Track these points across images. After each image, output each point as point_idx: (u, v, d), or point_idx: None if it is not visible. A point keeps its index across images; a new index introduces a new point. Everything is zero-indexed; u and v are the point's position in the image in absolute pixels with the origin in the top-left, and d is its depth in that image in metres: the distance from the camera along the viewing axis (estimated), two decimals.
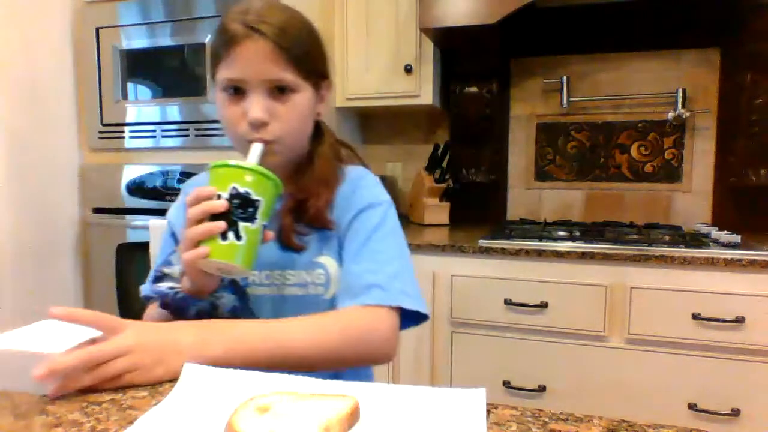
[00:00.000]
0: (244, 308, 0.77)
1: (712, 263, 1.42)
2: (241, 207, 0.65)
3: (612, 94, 2.06)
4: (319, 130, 0.87)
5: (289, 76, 0.75)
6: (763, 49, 1.77)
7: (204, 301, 0.72)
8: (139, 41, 1.91)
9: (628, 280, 1.50)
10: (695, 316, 1.43)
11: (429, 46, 1.95)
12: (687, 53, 1.98)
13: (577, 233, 1.75)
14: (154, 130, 1.92)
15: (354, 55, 2.03)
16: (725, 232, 1.61)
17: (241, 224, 0.65)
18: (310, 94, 0.79)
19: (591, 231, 1.80)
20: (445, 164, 2.12)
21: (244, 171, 0.66)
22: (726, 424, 1.43)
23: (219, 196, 0.65)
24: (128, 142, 1.96)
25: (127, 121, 1.95)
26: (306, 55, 0.77)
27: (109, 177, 1.98)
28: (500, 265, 1.60)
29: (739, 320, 1.39)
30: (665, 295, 1.46)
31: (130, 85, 1.95)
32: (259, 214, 0.66)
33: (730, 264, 1.41)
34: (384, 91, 1.99)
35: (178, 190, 1.88)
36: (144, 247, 1.84)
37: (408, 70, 1.95)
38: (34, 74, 1.87)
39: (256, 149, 0.73)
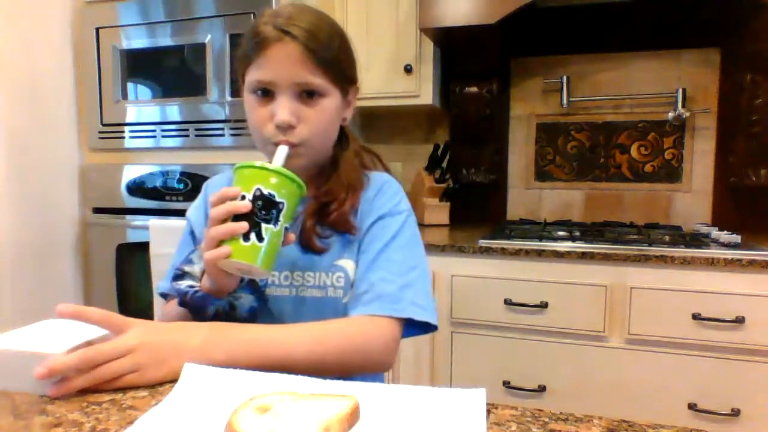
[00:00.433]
0: (263, 309, 0.77)
1: (712, 263, 1.42)
2: (264, 208, 0.65)
3: (612, 94, 2.06)
4: (344, 135, 0.87)
5: (317, 80, 0.75)
6: (763, 49, 1.77)
7: (222, 300, 0.72)
8: (139, 41, 1.91)
9: (628, 280, 1.50)
10: (695, 316, 1.43)
11: (429, 46, 1.94)
12: (687, 53, 1.98)
13: (577, 233, 1.75)
14: (154, 130, 1.92)
15: None
16: (725, 232, 1.61)
17: (264, 226, 0.65)
18: (338, 99, 0.79)
19: (591, 231, 1.80)
20: (445, 164, 2.12)
21: (270, 173, 0.66)
22: (726, 424, 1.43)
23: (243, 197, 0.65)
24: (128, 142, 1.96)
25: (127, 121, 1.95)
26: (335, 60, 0.77)
27: (109, 177, 1.98)
28: (500, 265, 1.60)
29: (739, 320, 1.39)
30: (665, 295, 1.46)
31: (130, 85, 1.95)
32: (281, 217, 0.66)
33: (730, 264, 1.41)
34: (384, 91, 1.98)
35: (178, 190, 1.89)
36: (144, 247, 1.85)
37: (408, 70, 1.95)
38: (34, 74, 1.87)
39: (282, 152, 0.73)
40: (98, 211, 2.01)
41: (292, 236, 0.70)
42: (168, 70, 1.90)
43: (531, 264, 1.58)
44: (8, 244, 1.78)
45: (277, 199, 0.66)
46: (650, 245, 1.53)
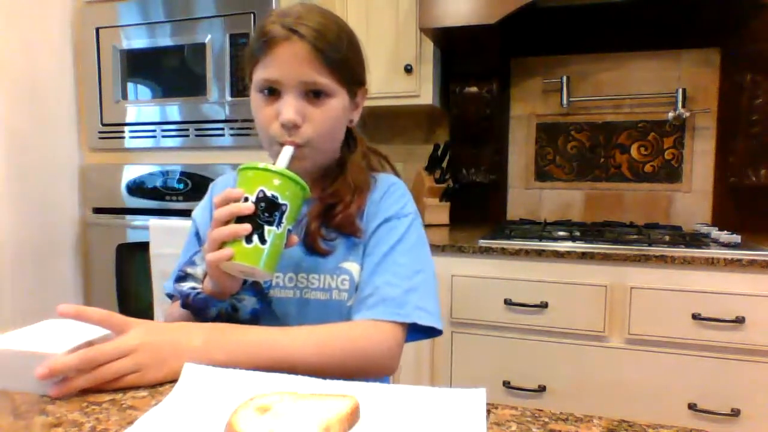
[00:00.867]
0: (266, 311, 0.76)
1: (712, 263, 1.42)
2: (267, 210, 0.65)
3: (612, 94, 2.06)
4: (351, 137, 0.87)
5: (324, 80, 0.74)
6: (763, 49, 1.77)
7: (225, 302, 0.72)
8: (139, 41, 1.91)
9: (628, 280, 1.50)
10: (695, 316, 1.43)
11: (429, 46, 1.94)
12: (687, 53, 1.98)
13: (577, 233, 1.75)
14: (154, 130, 1.92)
15: None
16: (725, 232, 1.61)
17: (267, 228, 0.64)
18: (345, 99, 0.79)
19: (591, 231, 1.80)
20: (445, 164, 2.12)
21: (273, 174, 0.66)
22: (726, 424, 1.43)
23: (246, 199, 0.65)
24: (128, 142, 1.96)
25: (127, 121, 1.95)
26: (343, 60, 0.76)
27: (109, 177, 1.98)
28: (500, 265, 1.60)
29: (739, 320, 1.39)
30: (665, 295, 1.46)
31: (130, 85, 1.95)
32: (284, 219, 0.66)
33: (730, 264, 1.41)
34: (384, 90, 1.98)
35: (178, 190, 1.89)
36: (144, 247, 1.85)
37: (408, 70, 1.95)
38: (34, 74, 1.87)
39: (287, 152, 0.73)
40: (98, 211, 2.01)
41: (295, 238, 0.70)
42: (168, 70, 1.90)
43: (531, 264, 1.58)
44: (8, 244, 1.78)
45: (281, 201, 0.65)
46: (650, 245, 1.53)
